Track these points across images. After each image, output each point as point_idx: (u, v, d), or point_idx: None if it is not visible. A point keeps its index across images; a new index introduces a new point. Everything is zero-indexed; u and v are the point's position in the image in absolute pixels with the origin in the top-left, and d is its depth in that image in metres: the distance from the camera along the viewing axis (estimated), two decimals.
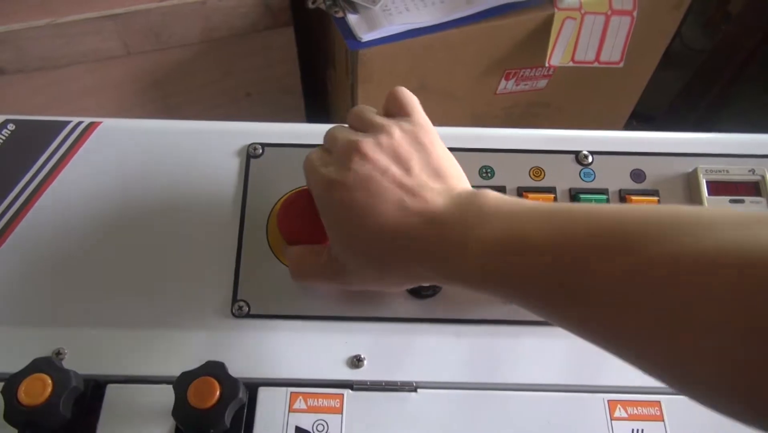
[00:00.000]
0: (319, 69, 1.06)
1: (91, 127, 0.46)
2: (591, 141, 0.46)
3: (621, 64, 0.94)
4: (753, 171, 0.44)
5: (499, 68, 0.95)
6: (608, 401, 0.40)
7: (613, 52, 0.93)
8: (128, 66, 0.90)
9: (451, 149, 0.45)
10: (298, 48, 1.01)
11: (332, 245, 0.37)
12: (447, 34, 0.86)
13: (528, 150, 0.46)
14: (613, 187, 0.45)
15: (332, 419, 0.39)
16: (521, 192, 0.45)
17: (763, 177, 0.44)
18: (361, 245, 0.34)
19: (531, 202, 0.32)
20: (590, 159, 0.46)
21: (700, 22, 1.73)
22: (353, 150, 0.34)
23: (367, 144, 0.34)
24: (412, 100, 0.39)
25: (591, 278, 0.26)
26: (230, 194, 0.44)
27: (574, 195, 0.44)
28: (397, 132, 0.36)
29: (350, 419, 0.39)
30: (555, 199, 0.44)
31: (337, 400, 0.39)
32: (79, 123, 0.46)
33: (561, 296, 0.28)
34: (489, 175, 0.45)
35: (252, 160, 0.45)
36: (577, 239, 0.28)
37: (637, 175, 0.45)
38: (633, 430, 0.39)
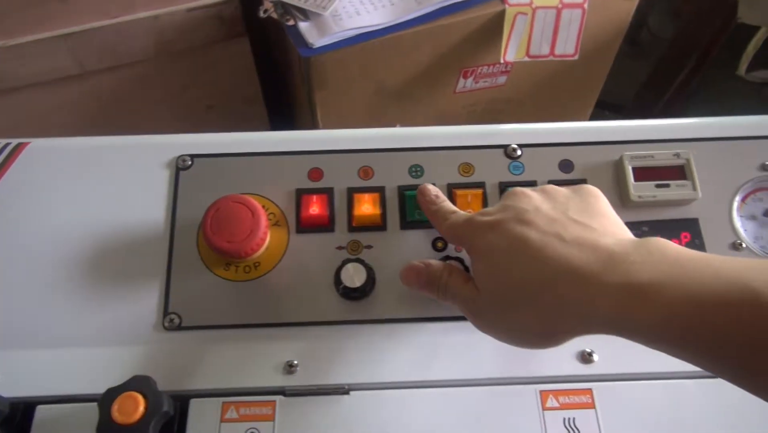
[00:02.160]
0: (280, 77, 1.06)
1: (19, 148, 0.46)
2: (519, 134, 0.46)
3: (576, 57, 0.94)
4: (678, 155, 0.44)
5: (456, 67, 0.95)
6: (540, 391, 0.40)
7: (567, 45, 0.93)
8: (85, 85, 0.90)
9: (380, 150, 0.45)
10: (257, 58, 1.01)
11: (491, 288, 0.34)
12: (399, 36, 0.86)
13: (457, 147, 0.46)
14: (542, 179, 0.45)
15: (264, 426, 0.39)
16: (451, 188, 0.45)
17: (688, 160, 0.44)
18: (531, 285, 0.32)
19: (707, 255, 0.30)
20: (519, 152, 0.46)
21: (667, 11, 1.75)
22: (533, 203, 0.35)
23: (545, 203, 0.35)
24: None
25: None
26: (160, 207, 0.44)
27: (503, 189, 0.44)
28: (570, 193, 0.36)
29: (282, 425, 0.39)
30: (484, 193, 0.44)
31: (269, 407, 0.39)
32: (6, 144, 0.46)
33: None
34: (418, 173, 0.45)
35: (181, 172, 0.45)
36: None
37: (566, 165, 0.45)
38: (564, 419, 0.39)
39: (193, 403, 0.39)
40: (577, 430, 0.38)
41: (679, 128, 0.46)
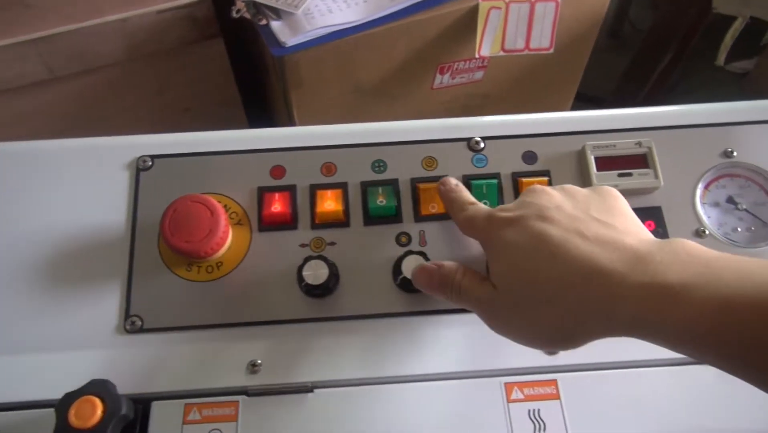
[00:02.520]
0: (257, 78, 1.05)
1: None
2: (482, 127, 0.46)
3: (551, 50, 0.95)
4: (640, 144, 0.44)
5: (432, 63, 0.95)
6: (505, 383, 0.40)
7: (542, 39, 0.93)
8: (56, 90, 0.89)
9: (343, 146, 0.45)
10: (234, 58, 1.00)
11: (508, 285, 0.33)
12: (373, 33, 0.86)
13: (420, 141, 0.46)
14: (505, 171, 0.45)
15: (227, 427, 0.38)
16: (415, 183, 0.44)
17: (650, 149, 0.44)
18: (551, 283, 0.31)
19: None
20: (482, 145, 0.46)
21: (647, 3, 1.76)
22: (553, 201, 0.35)
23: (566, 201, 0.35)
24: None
25: None
26: (121, 209, 0.44)
27: (466, 182, 0.44)
28: (590, 193, 0.36)
29: (245, 425, 0.38)
30: None
31: (232, 408, 0.39)
32: None
33: None
34: (381, 169, 0.45)
35: (142, 173, 0.45)
36: None
37: (529, 157, 0.45)
38: (529, 411, 0.39)
39: (155, 405, 0.39)
40: (542, 421, 0.38)
41: (641, 117, 0.46)
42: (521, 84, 1.07)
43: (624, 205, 0.35)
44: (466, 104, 1.07)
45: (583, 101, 1.43)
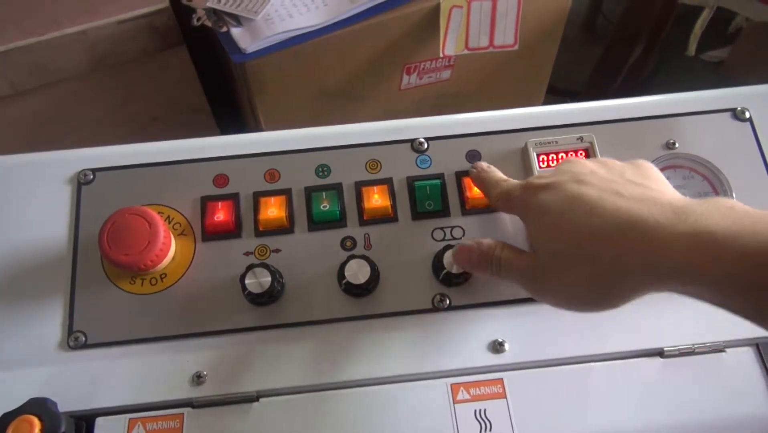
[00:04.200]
0: (225, 84, 1.05)
1: None
2: (425, 128, 0.46)
3: (516, 47, 0.95)
4: (581, 139, 0.44)
5: (398, 64, 0.95)
6: (451, 384, 0.40)
7: (506, 36, 0.93)
8: (19, 105, 0.88)
9: (286, 152, 0.45)
10: (200, 66, 1.00)
11: (547, 247, 0.34)
12: (335, 36, 0.86)
13: (364, 144, 0.46)
14: (449, 171, 0.45)
15: None
16: (359, 186, 0.44)
17: (591, 144, 0.44)
18: (589, 239, 0.31)
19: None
20: (426, 145, 0.46)
21: None
22: (588, 167, 0.35)
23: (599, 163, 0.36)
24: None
25: None
26: (62, 224, 0.43)
27: (410, 183, 0.44)
28: (625, 164, 0.37)
29: None
30: (391, 188, 0.44)
31: (177, 420, 0.39)
32: None
33: None
34: (325, 173, 0.45)
35: (83, 187, 0.44)
36: None
37: (473, 155, 0.45)
38: (476, 411, 0.39)
39: (99, 421, 0.39)
40: (488, 421, 0.38)
41: (583, 112, 0.46)
42: (491, 81, 1.07)
43: (659, 174, 0.36)
44: (436, 104, 1.07)
45: (557, 95, 1.43)
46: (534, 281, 0.35)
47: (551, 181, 0.35)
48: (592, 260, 0.31)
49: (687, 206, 0.30)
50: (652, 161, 0.45)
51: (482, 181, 0.42)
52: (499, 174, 0.42)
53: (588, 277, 0.31)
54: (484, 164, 0.43)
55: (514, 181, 0.39)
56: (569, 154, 0.44)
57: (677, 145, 0.45)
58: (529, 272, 0.35)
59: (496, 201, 0.40)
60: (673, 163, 0.45)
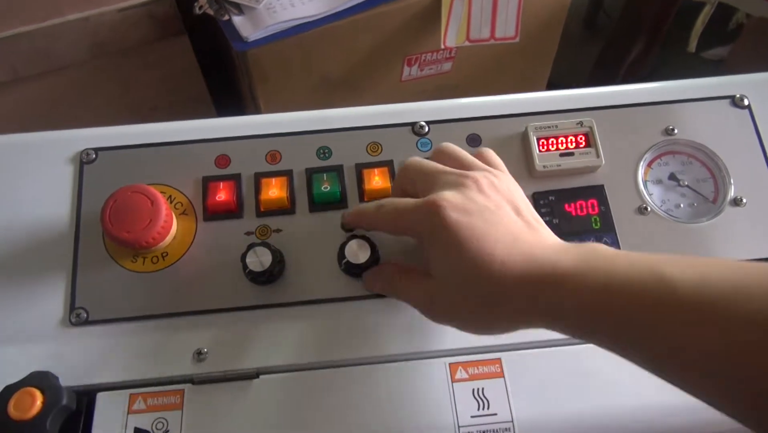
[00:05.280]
0: (226, 74, 1.05)
1: None
2: (427, 111, 0.46)
3: (517, 39, 0.95)
4: (581, 124, 0.45)
5: (399, 55, 0.95)
6: (449, 364, 0.40)
7: (507, 28, 0.94)
8: (20, 91, 0.88)
9: (287, 134, 0.45)
10: (202, 55, 1.00)
11: (436, 271, 0.35)
12: (337, 26, 0.86)
13: (365, 127, 0.46)
14: None
15: (172, 415, 0.38)
16: (360, 168, 0.45)
17: (591, 129, 0.44)
18: (471, 271, 0.32)
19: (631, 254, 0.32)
20: (426, 129, 0.46)
21: None
22: (469, 183, 0.35)
23: (484, 180, 0.35)
24: (499, 159, 0.40)
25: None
26: (65, 203, 0.44)
27: None
28: (505, 177, 0.38)
29: (190, 413, 0.38)
30: (391, 170, 0.44)
31: (177, 396, 0.39)
32: None
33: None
34: (326, 155, 0.45)
35: (85, 166, 0.45)
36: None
37: (473, 139, 0.46)
38: (474, 390, 0.39)
39: (100, 396, 0.39)
40: (486, 399, 0.39)
41: (583, 98, 0.46)
42: (491, 74, 1.08)
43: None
44: (436, 97, 1.07)
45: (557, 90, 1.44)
46: (429, 310, 0.36)
47: (466, 203, 0.34)
48: (484, 295, 0.33)
49: (562, 249, 0.32)
50: (651, 147, 0.45)
51: (359, 214, 0.40)
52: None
53: (477, 306, 0.33)
54: (354, 210, 0.41)
55: (404, 199, 0.37)
56: (569, 139, 0.44)
57: (676, 131, 0.45)
58: (425, 301, 0.36)
59: (388, 224, 0.38)
60: (671, 149, 0.46)
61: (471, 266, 0.32)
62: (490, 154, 0.40)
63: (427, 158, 0.39)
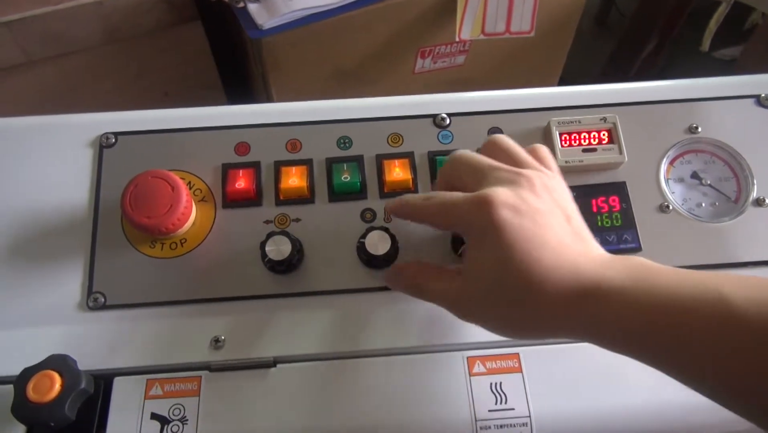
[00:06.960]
0: (238, 61, 1.05)
1: None
2: (448, 103, 0.46)
3: (532, 34, 0.94)
4: (604, 119, 0.44)
5: (413, 47, 0.95)
6: (467, 357, 0.40)
7: (522, 22, 0.93)
8: (32, 74, 0.88)
9: (308, 123, 0.45)
10: (214, 42, 1.00)
11: (474, 267, 0.33)
12: (352, 16, 0.85)
13: (386, 117, 0.46)
14: (471, 147, 0.44)
15: (189, 402, 0.38)
16: (380, 159, 0.44)
17: (614, 125, 0.44)
18: (513, 273, 0.31)
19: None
20: (448, 121, 0.45)
21: None
22: (522, 181, 0.33)
23: (538, 180, 0.34)
24: (552, 158, 0.38)
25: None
26: (84, 187, 0.43)
27: (431, 158, 0.44)
28: (558, 180, 0.36)
29: (207, 400, 0.38)
30: (412, 162, 0.44)
31: (195, 383, 0.39)
32: None
33: None
34: (347, 145, 0.45)
35: (105, 150, 0.44)
36: None
37: (495, 132, 0.45)
38: (492, 384, 0.39)
39: (117, 381, 0.39)
40: (504, 394, 0.39)
41: (607, 94, 0.46)
42: (503, 69, 1.07)
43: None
44: (447, 90, 1.07)
45: (581, 86, 1.43)
46: (457, 308, 0.35)
47: (518, 203, 0.32)
48: (525, 297, 0.31)
49: (607, 261, 0.32)
50: (674, 144, 0.45)
51: (405, 204, 0.37)
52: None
53: (514, 309, 0.32)
54: (398, 200, 0.38)
55: (454, 193, 0.35)
56: (592, 135, 0.44)
57: (700, 129, 0.45)
58: (454, 300, 0.35)
59: (436, 217, 0.36)
60: (695, 147, 0.45)
61: (514, 267, 0.31)
62: (544, 151, 0.37)
63: (476, 150, 0.38)
